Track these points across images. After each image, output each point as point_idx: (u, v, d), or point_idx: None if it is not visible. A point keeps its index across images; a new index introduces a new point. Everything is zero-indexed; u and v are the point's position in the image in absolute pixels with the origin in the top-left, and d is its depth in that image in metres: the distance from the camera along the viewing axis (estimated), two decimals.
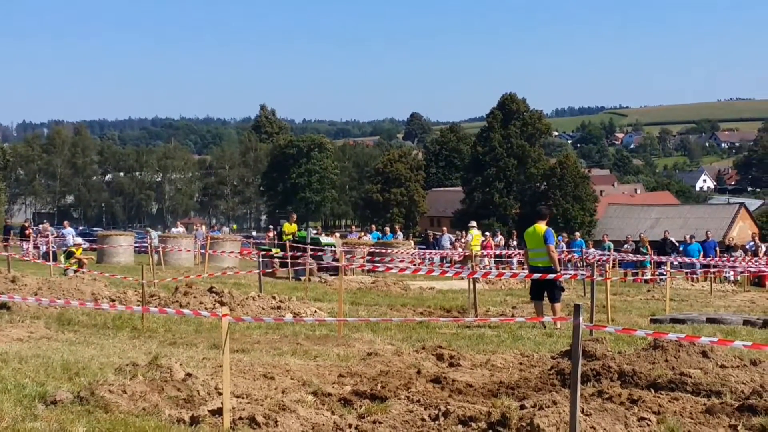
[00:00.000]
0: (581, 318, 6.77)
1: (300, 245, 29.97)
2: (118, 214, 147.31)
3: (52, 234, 40.92)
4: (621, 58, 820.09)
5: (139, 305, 16.07)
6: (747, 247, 38.14)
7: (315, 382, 10.11)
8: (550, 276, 16.83)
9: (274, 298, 18.11)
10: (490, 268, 36.05)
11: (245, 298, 17.80)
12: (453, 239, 42.03)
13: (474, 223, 41.26)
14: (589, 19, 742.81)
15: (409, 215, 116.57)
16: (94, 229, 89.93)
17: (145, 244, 38.32)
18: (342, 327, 14.84)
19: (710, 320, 17.60)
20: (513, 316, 18.55)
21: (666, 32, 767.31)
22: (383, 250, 34.29)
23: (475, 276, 19.09)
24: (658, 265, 32.28)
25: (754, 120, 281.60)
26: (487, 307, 20.64)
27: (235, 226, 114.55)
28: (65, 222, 54.31)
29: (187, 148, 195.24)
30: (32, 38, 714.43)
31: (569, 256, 35.97)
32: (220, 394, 8.62)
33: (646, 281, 31.46)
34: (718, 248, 37.48)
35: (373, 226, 56.83)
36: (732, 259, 34.07)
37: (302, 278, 26.60)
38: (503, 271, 34.52)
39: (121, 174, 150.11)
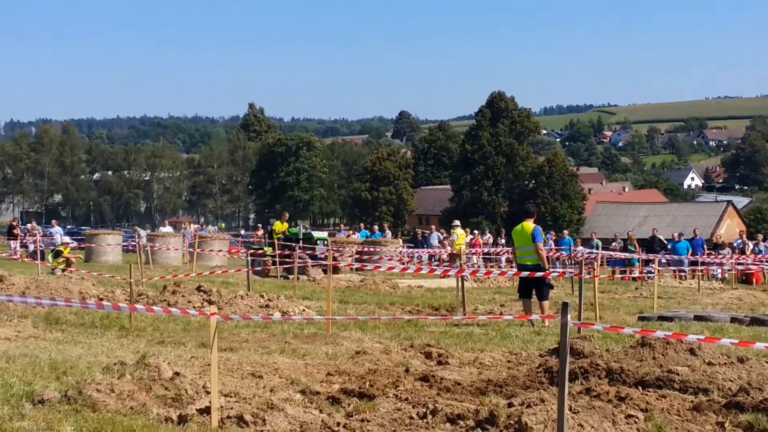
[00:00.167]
0: (569, 316, 6.78)
1: (292, 243, 29.99)
2: (106, 213, 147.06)
3: (39, 233, 40.86)
4: (609, 56, 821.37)
5: (126, 304, 16.04)
6: (735, 244, 38.23)
7: (303, 381, 10.10)
8: (539, 274, 16.86)
9: (262, 296, 18.09)
10: (479, 267, 36.10)
11: (233, 297, 17.77)
12: (441, 238, 42.03)
13: (458, 222, 41.42)
14: (578, 17, 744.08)
15: (398, 213, 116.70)
16: (82, 228, 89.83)
17: (134, 243, 38.27)
18: (330, 325, 14.84)
19: (698, 318, 17.64)
20: (501, 314, 18.56)
21: (654, 31, 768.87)
22: (372, 249, 34.30)
23: (463, 274, 19.10)
24: (646, 263, 32.35)
25: (742, 118, 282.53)
26: (476, 305, 20.66)
27: (223, 225, 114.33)
28: (53, 221, 54.27)
29: (176, 147, 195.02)
30: (20, 37, 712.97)
31: (557, 254, 36.03)
32: (208, 392, 8.61)
33: (634, 279, 31.54)
34: (705, 246, 37.58)
35: (362, 225, 56.79)
36: (720, 256, 34.18)
37: (290, 277, 26.58)
38: (491, 269, 34.54)
39: (110, 173, 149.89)
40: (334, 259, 28.81)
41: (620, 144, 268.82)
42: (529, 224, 17.40)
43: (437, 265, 33.47)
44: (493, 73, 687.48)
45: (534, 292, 17.32)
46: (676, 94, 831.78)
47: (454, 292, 20.79)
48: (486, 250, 39.86)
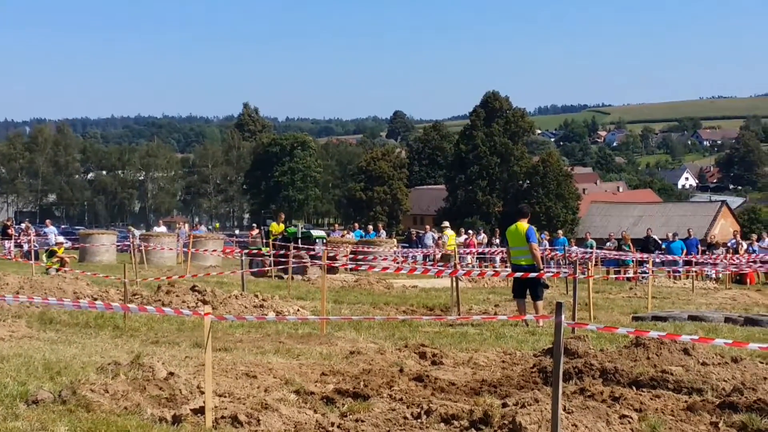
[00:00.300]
0: (563, 316, 6.79)
1: (291, 243, 29.98)
2: (100, 212, 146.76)
3: (33, 232, 40.81)
4: (604, 56, 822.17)
5: (120, 304, 16.03)
6: (729, 244, 38.28)
7: (297, 381, 10.10)
8: (533, 274, 16.87)
9: (256, 296, 18.10)
10: (473, 267, 36.10)
11: (228, 297, 17.78)
12: (436, 237, 42.05)
13: (447, 224, 41.50)
14: (572, 17, 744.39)
15: (392, 213, 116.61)
16: (77, 227, 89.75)
17: (128, 243, 38.25)
18: (325, 325, 14.84)
19: (692, 318, 17.66)
20: (496, 314, 18.57)
21: (649, 31, 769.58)
22: (366, 249, 34.29)
23: (457, 275, 19.10)
24: (641, 263, 32.36)
25: (736, 118, 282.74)
26: (470, 305, 20.67)
27: (218, 224, 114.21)
28: (47, 221, 54.15)
29: (170, 147, 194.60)
30: (14, 36, 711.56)
31: (552, 254, 36.05)
32: (202, 392, 8.61)
33: (628, 279, 31.54)
34: (700, 246, 37.61)
35: (356, 225, 56.73)
36: (714, 256, 34.21)
37: (285, 276, 26.56)
38: (486, 269, 34.54)
39: (104, 172, 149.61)
40: (332, 258, 28.83)
41: (614, 144, 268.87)
42: (523, 224, 17.41)
43: (432, 265, 33.47)
44: (487, 72, 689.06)
45: (528, 292, 17.34)
46: (671, 94, 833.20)
47: (448, 292, 20.79)
48: (480, 250, 39.89)
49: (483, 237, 46.24)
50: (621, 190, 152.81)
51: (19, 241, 40.64)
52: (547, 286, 18.35)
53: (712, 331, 15.78)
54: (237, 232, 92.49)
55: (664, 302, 23.69)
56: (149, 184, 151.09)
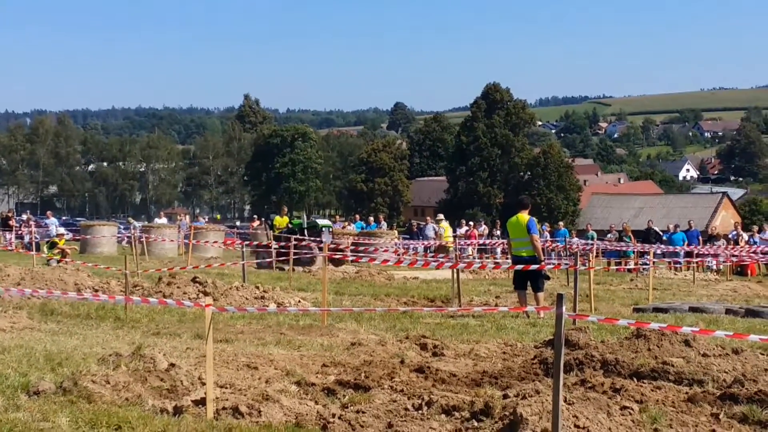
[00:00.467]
0: (564, 307, 6.78)
1: (297, 234, 29.98)
2: (101, 204, 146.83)
3: (34, 223, 40.83)
4: (605, 47, 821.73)
5: (122, 295, 16.04)
6: (730, 236, 38.27)
7: (298, 372, 10.11)
8: (534, 266, 16.87)
9: (257, 288, 18.09)
10: (474, 258, 36.10)
11: (229, 288, 17.78)
12: (437, 229, 42.03)
13: (442, 216, 41.55)
14: (573, 8, 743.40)
15: (393, 205, 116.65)
16: (78, 219, 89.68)
17: (128, 235, 38.25)
18: (326, 317, 14.83)
19: (693, 309, 17.65)
20: (496, 305, 18.58)
21: (649, 22, 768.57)
22: (367, 240, 34.29)
23: (458, 267, 19.11)
24: (641, 254, 32.35)
25: (737, 109, 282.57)
26: (471, 296, 20.67)
27: (219, 216, 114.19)
28: (48, 212, 54.19)
29: (171, 138, 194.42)
30: (15, 28, 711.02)
31: (553, 245, 36.04)
32: (203, 384, 8.62)
33: (629, 270, 31.55)
34: (701, 237, 37.61)
35: (357, 216, 56.74)
36: (714, 248, 34.20)
37: (286, 268, 26.54)
38: (487, 261, 34.55)
39: (105, 164, 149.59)
40: (340, 250, 28.84)
41: (615, 135, 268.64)
42: (524, 216, 17.40)
43: (433, 257, 33.46)
44: (488, 64, 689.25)
45: (529, 283, 17.34)
46: (672, 85, 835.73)
47: (449, 284, 20.79)
48: (481, 241, 39.88)
49: (484, 228, 46.20)
50: (622, 181, 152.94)
51: (20, 232, 40.65)
52: (548, 278, 18.34)
53: (713, 322, 15.77)
54: (238, 223, 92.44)
55: (665, 294, 23.69)
56: (150, 176, 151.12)
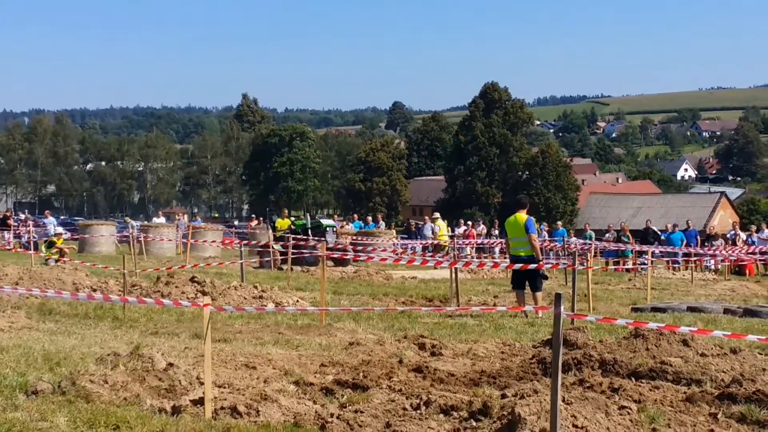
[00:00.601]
0: (562, 307, 6.79)
1: (301, 234, 29.97)
2: (99, 203, 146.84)
3: (32, 223, 40.82)
4: (603, 47, 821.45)
5: (120, 295, 16.03)
6: (728, 236, 38.28)
7: (297, 372, 10.11)
8: (532, 265, 16.88)
9: (255, 287, 18.09)
10: (472, 258, 36.10)
11: (227, 288, 17.77)
12: (434, 228, 42.04)
13: (438, 215, 41.60)
14: (572, 8, 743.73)
15: (392, 204, 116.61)
16: (76, 218, 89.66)
17: (127, 234, 38.25)
18: (324, 316, 14.84)
19: (691, 309, 17.66)
20: (495, 305, 18.59)
21: (648, 21, 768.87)
22: (365, 240, 34.29)
23: (456, 266, 19.11)
24: (640, 254, 32.37)
25: (735, 109, 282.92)
26: (469, 296, 20.68)
27: (216, 215, 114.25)
28: (46, 211, 54.21)
29: (169, 137, 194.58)
30: (13, 27, 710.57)
31: (551, 245, 36.05)
32: (201, 383, 8.61)
33: (627, 270, 31.55)
34: (699, 237, 37.63)
35: (356, 216, 56.78)
36: (713, 248, 34.21)
37: (284, 267, 26.53)
38: (485, 260, 34.55)
39: (103, 163, 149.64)
40: (345, 250, 28.84)
41: (614, 135, 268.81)
42: (522, 215, 17.41)
43: (431, 256, 33.46)
44: (486, 63, 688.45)
45: (527, 283, 17.35)
46: (670, 85, 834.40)
47: (447, 283, 20.79)
48: (479, 241, 39.89)
49: (482, 228, 46.21)
50: (620, 181, 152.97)
51: (18, 231, 40.64)
52: (546, 277, 18.36)
53: (711, 322, 15.78)
54: (236, 222, 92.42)
55: (664, 293, 23.71)
56: (148, 175, 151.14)
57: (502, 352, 12.01)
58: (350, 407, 8.21)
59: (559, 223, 48.90)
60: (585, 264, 19.74)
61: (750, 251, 32.59)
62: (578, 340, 11.39)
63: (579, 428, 7.23)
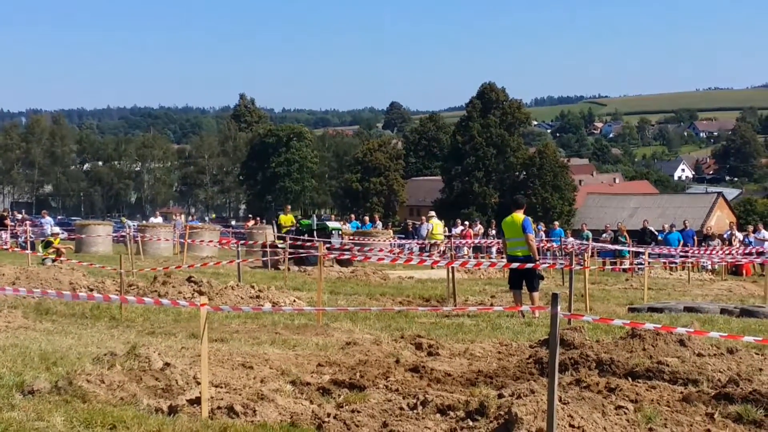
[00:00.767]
0: (559, 307, 6.79)
1: (305, 235, 29.98)
2: (96, 203, 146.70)
3: (29, 223, 40.79)
4: (600, 47, 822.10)
5: (117, 295, 16.02)
6: (725, 236, 38.29)
7: (293, 372, 10.11)
8: (529, 265, 16.89)
9: (252, 287, 18.08)
10: (469, 257, 36.11)
11: (224, 288, 17.76)
12: (429, 227, 42.04)
13: (433, 213, 41.57)
14: (569, 8, 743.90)
15: (389, 204, 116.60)
16: (73, 218, 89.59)
17: (123, 234, 38.24)
18: (321, 316, 14.84)
19: (688, 309, 17.66)
20: (492, 305, 18.59)
21: (645, 22, 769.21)
22: (362, 240, 34.28)
23: (453, 265, 19.12)
24: (636, 254, 32.38)
25: (732, 109, 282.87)
26: (466, 296, 20.68)
27: (214, 215, 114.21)
28: (43, 211, 54.17)
29: (166, 137, 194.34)
30: (8, 27, 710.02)
31: (548, 245, 36.06)
32: (198, 383, 8.61)
33: (624, 270, 31.56)
34: (696, 237, 37.64)
35: (353, 216, 56.79)
36: (710, 248, 34.21)
37: (281, 267, 26.52)
38: (482, 260, 34.54)
39: (100, 163, 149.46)
40: (348, 251, 28.85)
41: (611, 135, 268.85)
42: (519, 215, 17.42)
43: (428, 256, 33.46)
44: (484, 64, 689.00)
45: (524, 283, 17.35)
46: (667, 85, 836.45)
47: (444, 283, 20.81)
48: (477, 241, 39.90)
49: (479, 228, 46.23)
50: (617, 181, 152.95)
51: (15, 231, 40.60)
52: (543, 278, 18.39)
53: (707, 322, 15.78)
54: (233, 222, 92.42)
55: (660, 293, 23.72)
56: (145, 175, 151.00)
57: (499, 352, 12.01)
58: (347, 407, 8.21)
59: (556, 223, 48.88)
60: (582, 264, 19.75)
61: (746, 252, 32.59)
62: (575, 340, 11.38)
63: (575, 428, 7.23)
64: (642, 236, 37.16)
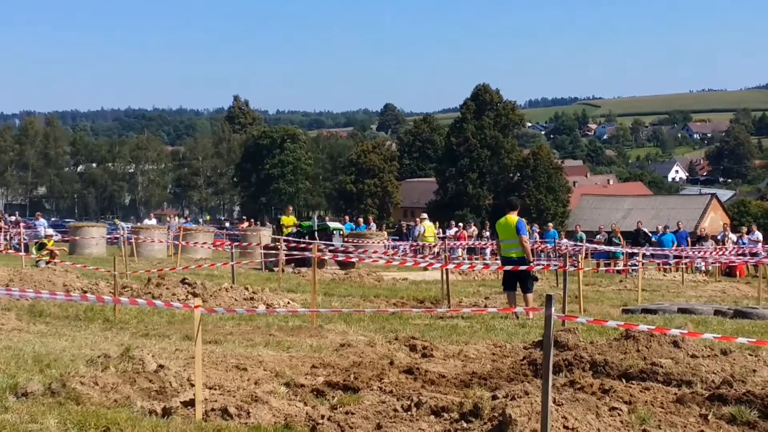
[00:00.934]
0: (553, 308, 6.79)
1: (306, 236, 29.94)
2: (90, 205, 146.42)
3: (23, 225, 40.74)
4: (594, 49, 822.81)
5: (111, 296, 16.00)
6: (718, 237, 38.34)
7: (288, 373, 10.11)
8: (523, 267, 16.90)
9: (247, 289, 18.09)
10: (463, 259, 36.12)
11: (218, 290, 17.76)
12: (421, 229, 42.04)
13: (425, 216, 41.55)
14: (563, 10, 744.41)
15: (383, 206, 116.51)
16: (66, 220, 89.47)
17: (117, 236, 38.21)
18: (315, 318, 14.84)
19: (682, 310, 17.69)
20: (486, 306, 18.60)
21: (639, 23, 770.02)
22: (357, 242, 34.27)
23: (447, 267, 19.11)
24: (630, 255, 32.41)
25: (725, 111, 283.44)
26: (460, 297, 20.68)
27: (208, 217, 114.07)
28: (37, 213, 54.06)
29: (160, 139, 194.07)
30: (2, 28, 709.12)
31: (542, 246, 36.07)
32: (192, 385, 8.60)
33: (618, 272, 31.59)
34: (689, 239, 37.67)
35: (347, 217, 56.70)
36: (703, 250, 34.25)
37: (275, 269, 26.50)
38: (476, 262, 34.55)
39: (94, 165, 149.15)
40: (350, 253, 28.82)
41: (605, 137, 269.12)
42: (513, 217, 17.43)
43: (422, 258, 33.46)
44: (478, 65, 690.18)
45: (518, 284, 17.36)
46: (661, 87, 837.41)
47: (438, 285, 20.81)
48: (471, 242, 39.91)
49: (473, 230, 46.21)
50: (611, 183, 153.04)
51: (8, 233, 40.55)
52: (537, 279, 18.38)
53: (701, 323, 15.79)
54: (228, 224, 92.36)
55: (654, 295, 23.74)
56: (139, 177, 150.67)
57: (493, 354, 12.01)
58: (341, 409, 8.21)
59: (551, 224, 48.85)
60: (576, 265, 19.76)
61: (740, 253, 32.63)
62: (569, 342, 11.39)
63: (570, 429, 7.23)
64: (636, 237, 37.18)
